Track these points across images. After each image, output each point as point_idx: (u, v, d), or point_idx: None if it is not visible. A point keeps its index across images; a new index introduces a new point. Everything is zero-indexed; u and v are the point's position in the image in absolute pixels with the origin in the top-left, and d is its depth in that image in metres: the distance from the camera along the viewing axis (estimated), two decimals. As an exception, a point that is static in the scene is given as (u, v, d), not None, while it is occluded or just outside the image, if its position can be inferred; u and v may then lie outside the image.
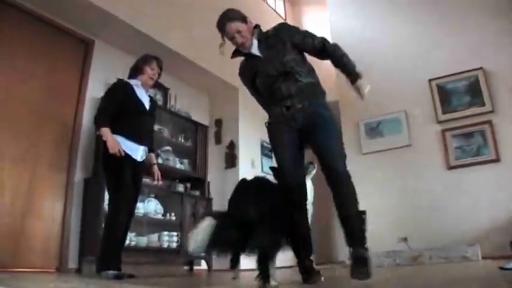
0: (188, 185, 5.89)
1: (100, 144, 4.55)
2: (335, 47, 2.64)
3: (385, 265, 5.01)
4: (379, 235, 5.65)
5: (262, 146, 7.17)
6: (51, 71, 4.66)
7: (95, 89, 4.94)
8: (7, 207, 3.98)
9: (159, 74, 3.84)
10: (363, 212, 2.41)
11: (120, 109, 3.54)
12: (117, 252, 3.38)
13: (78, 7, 4.60)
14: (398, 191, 6.01)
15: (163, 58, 3.90)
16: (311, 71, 2.69)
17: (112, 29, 5.06)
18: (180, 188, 5.72)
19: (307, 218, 2.64)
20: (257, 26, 2.75)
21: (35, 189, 4.27)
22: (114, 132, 3.44)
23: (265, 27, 2.79)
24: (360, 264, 2.20)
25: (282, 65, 2.56)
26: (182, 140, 6.12)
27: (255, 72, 2.67)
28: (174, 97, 6.13)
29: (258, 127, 6.81)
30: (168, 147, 5.77)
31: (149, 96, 3.85)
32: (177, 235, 5.32)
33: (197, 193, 5.92)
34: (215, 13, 2.74)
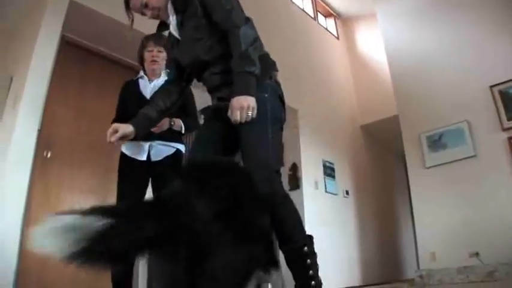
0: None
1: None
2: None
3: (458, 282, 4.83)
4: (448, 251, 5.47)
5: (324, 166, 7.11)
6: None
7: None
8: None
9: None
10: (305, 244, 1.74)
11: (126, 112, 3.00)
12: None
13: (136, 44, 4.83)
14: (466, 204, 5.72)
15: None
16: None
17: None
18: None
19: None
20: None
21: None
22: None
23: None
24: None
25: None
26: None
27: None
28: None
29: (320, 147, 6.79)
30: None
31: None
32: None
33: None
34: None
